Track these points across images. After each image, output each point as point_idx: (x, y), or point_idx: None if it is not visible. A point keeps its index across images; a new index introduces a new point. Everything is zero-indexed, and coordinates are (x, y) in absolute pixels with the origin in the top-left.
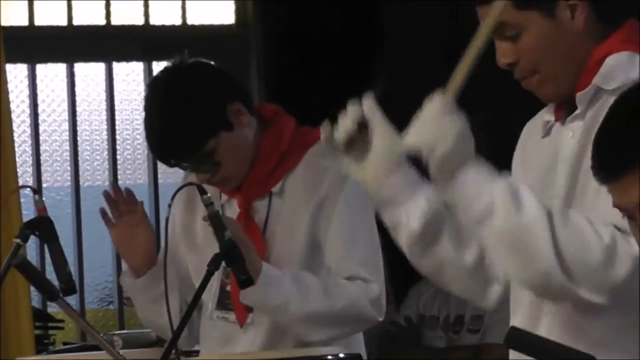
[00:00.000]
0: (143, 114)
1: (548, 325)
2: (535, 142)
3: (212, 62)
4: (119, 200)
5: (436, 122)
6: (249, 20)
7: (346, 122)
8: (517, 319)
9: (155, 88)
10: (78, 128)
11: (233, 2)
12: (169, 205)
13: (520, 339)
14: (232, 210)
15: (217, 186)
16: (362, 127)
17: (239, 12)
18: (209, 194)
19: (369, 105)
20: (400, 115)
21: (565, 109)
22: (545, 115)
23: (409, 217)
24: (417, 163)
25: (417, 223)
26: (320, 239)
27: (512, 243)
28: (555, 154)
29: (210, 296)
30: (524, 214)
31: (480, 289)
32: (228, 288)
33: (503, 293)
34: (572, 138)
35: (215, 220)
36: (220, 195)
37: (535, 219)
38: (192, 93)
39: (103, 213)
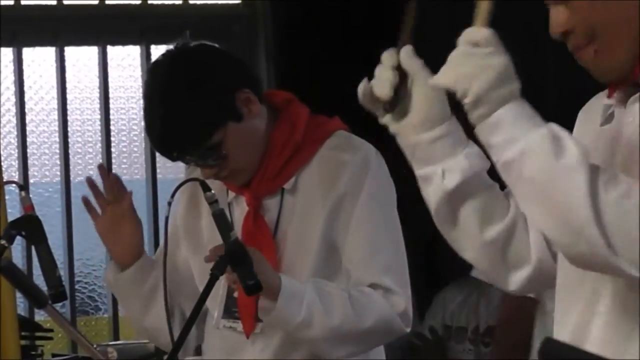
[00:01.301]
0: (141, 102)
1: (602, 326)
2: (594, 130)
3: (218, 46)
4: (106, 187)
5: (471, 58)
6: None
7: (387, 74)
8: (568, 321)
9: (156, 73)
10: (68, 118)
11: None
12: (169, 203)
13: (557, 352)
14: (240, 208)
15: (224, 182)
16: (401, 77)
17: None
18: (213, 191)
19: (406, 53)
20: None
21: (627, 93)
22: (605, 98)
23: (446, 173)
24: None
25: (454, 180)
26: (337, 242)
27: (544, 191)
28: (614, 140)
29: (216, 304)
30: (562, 160)
31: (503, 271)
32: (236, 295)
33: (529, 278)
34: (632, 122)
35: (221, 220)
36: (227, 192)
37: (575, 168)
38: (198, 79)
39: (86, 202)
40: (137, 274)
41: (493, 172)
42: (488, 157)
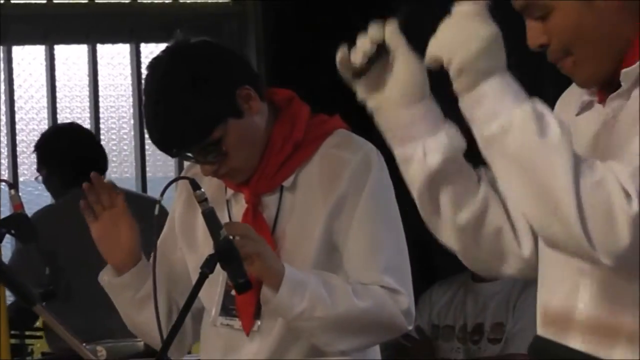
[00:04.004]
0: (131, 100)
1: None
2: (570, 120)
3: (214, 40)
4: (101, 193)
5: (460, 27)
6: None
7: (365, 44)
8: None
9: (157, 69)
10: (58, 116)
11: None
12: (158, 202)
13: (546, 349)
14: (239, 205)
15: (223, 179)
16: (382, 51)
17: None
18: (202, 189)
19: (391, 29)
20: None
21: (608, 88)
22: (584, 95)
23: (427, 152)
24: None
25: (436, 159)
26: (337, 241)
27: (526, 169)
28: (593, 135)
29: (212, 302)
30: (545, 139)
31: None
32: (233, 292)
33: (525, 262)
34: (612, 118)
35: (210, 219)
36: (225, 189)
37: (558, 148)
38: (199, 75)
39: (85, 206)
40: (133, 279)
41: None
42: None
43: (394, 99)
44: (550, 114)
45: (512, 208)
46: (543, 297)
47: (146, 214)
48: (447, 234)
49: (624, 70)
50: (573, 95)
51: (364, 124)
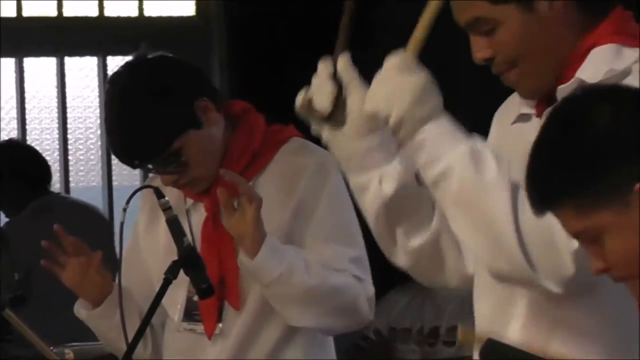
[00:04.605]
0: (98, 111)
1: (522, 317)
2: (506, 128)
3: (175, 55)
4: (66, 246)
5: (392, 82)
6: (211, 12)
7: (326, 86)
8: (485, 311)
9: (117, 83)
10: (27, 127)
11: None
12: (124, 210)
13: (498, 352)
14: (199, 214)
15: (183, 189)
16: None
17: (199, 2)
18: (167, 198)
19: (343, 63)
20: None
21: (546, 102)
22: (522, 107)
23: (383, 180)
24: None
25: (391, 187)
26: (299, 241)
27: (469, 207)
28: (526, 147)
29: (176, 307)
30: (483, 175)
31: (437, 274)
32: (195, 298)
33: (468, 276)
34: None
35: (174, 226)
36: (184, 199)
37: (496, 185)
38: (159, 88)
39: (47, 264)
40: (107, 309)
41: None
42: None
43: (350, 132)
44: (488, 151)
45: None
46: (476, 320)
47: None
48: (400, 257)
49: (560, 87)
50: (512, 105)
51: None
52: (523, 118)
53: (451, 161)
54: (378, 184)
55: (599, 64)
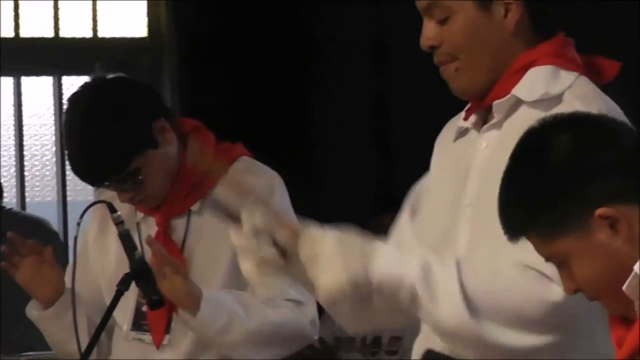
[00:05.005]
0: (53, 129)
1: None
2: (448, 146)
3: (133, 78)
4: (21, 248)
5: (318, 258)
6: (162, 33)
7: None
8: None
9: (77, 104)
10: None
11: (146, 14)
12: (78, 224)
13: None
14: (150, 228)
15: (137, 205)
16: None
17: (151, 24)
18: (119, 213)
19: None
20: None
21: (482, 115)
22: (460, 120)
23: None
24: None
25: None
26: None
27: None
28: (468, 162)
29: (125, 317)
30: (438, 303)
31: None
32: (144, 309)
33: None
34: (486, 148)
35: (126, 240)
36: (135, 212)
37: (449, 306)
38: (118, 110)
39: (6, 266)
40: (59, 310)
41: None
42: None
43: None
44: (433, 268)
45: None
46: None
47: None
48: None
49: (495, 102)
50: (452, 127)
51: (269, 152)
52: (462, 133)
53: (411, 289)
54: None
55: (536, 84)
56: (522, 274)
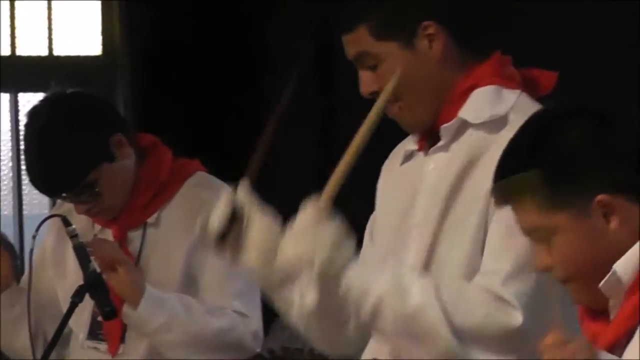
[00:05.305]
0: (9, 145)
1: None
2: (395, 170)
3: (92, 93)
4: None
5: (310, 234)
6: (117, 51)
7: (220, 212)
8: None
9: (36, 118)
10: None
11: (100, 33)
12: (34, 237)
13: None
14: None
15: (94, 217)
16: (238, 215)
17: (105, 42)
18: (74, 226)
19: (243, 193)
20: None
21: (429, 140)
22: (408, 144)
23: (304, 293)
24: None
25: (314, 300)
26: (197, 272)
27: (409, 332)
28: (416, 184)
29: (81, 326)
30: (411, 303)
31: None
32: (100, 318)
33: None
34: (434, 170)
35: (80, 252)
36: (93, 224)
37: (423, 305)
38: (76, 123)
39: None
40: (5, 300)
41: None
42: None
43: (256, 260)
44: (406, 271)
45: None
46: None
47: None
48: (337, 346)
49: (443, 126)
50: (399, 151)
51: (223, 167)
52: (409, 156)
53: (379, 294)
54: (300, 299)
55: (481, 106)
56: (484, 298)
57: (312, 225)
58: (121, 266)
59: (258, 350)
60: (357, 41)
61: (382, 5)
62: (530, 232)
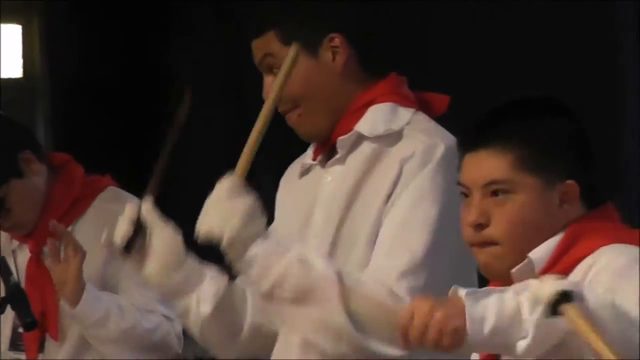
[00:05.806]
0: None
1: None
2: (294, 183)
3: (1, 112)
4: None
5: (223, 206)
6: (37, 74)
7: (123, 226)
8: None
9: None
10: None
11: (21, 56)
12: None
13: None
14: (24, 255)
15: (7, 232)
16: (141, 228)
17: (26, 65)
18: None
19: (146, 207)
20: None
21: (326, 152)
22: (305, 158)
23: (200, 302)
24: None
25: (209, 306)
26: (114, 283)
27: (304, 304)
28: (314, 196)
29: (4, 337)
30: (312, 274)
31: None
32: (20, 330)
33: None
34: (331, 181)
35: (1, 266)
36: (11, 240)
37: (324, 282)
38: None
39: None
40: None
41: None
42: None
43: (158, 270)
44: (315, 255)
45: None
46: None
47: None
48: (230, 349)
49: (339, 138)
50: (296, 166)
51: (139, 183)
52: (306, 170)
53: (282, 269)
54: (196, 307)
55: (377, 121)
56: (380, 291)
57: (226, 199)
58: (76, 256)
59: (180, 351)
60: (265, 44)
61: (293, 13)
62: (489, 183)
